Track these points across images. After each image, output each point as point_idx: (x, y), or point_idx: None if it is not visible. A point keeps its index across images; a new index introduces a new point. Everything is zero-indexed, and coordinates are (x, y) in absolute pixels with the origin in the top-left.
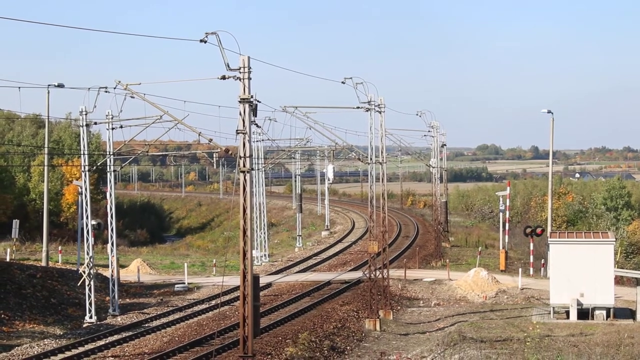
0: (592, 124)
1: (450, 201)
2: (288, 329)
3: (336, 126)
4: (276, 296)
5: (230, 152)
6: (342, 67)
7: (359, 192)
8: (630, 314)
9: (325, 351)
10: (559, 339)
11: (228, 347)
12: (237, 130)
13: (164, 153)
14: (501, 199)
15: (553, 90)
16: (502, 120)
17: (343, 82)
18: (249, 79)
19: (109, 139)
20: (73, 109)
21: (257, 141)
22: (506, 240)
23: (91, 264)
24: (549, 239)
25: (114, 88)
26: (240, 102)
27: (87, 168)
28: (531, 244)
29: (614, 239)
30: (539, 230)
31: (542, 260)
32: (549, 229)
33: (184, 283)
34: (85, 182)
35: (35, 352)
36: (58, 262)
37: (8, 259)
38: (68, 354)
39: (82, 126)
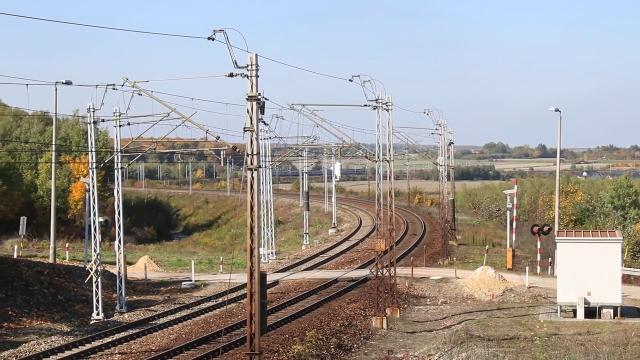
0: (599, 123)
1: (457, 199)
2: (295, 326)
3: (343, 124)
4: (283, 294)
5: (237, 150)
6: (349, 65)
7: (366, 190)
8: (637, 312)
9: (332, 349)
10: (566, 337)
11: (235, 345)
12: (244, 128)
13: (171, 150)
14: (508, 197)
15: (561, 89)
16: (510, 118)
17: (351, 80)
18: (257, 76)
19: (116, 136)
20: (81, 106)
21: (264, 139)
22: (513, 239)
23: (98, 261)
24: (556, 238)
25: (122, 85)
26: (247, 99)
27: (94, 165)
28: (538, 243)
29: (622, 238)
30: (546, 228)
31: (549, 258)
32: (556, 228)
33: (191, 280)
34: (92, 179)
35: (43, 349)
36: (65, 259)
37: (15, 256)
38: (75, 350)
39: (90, 123)
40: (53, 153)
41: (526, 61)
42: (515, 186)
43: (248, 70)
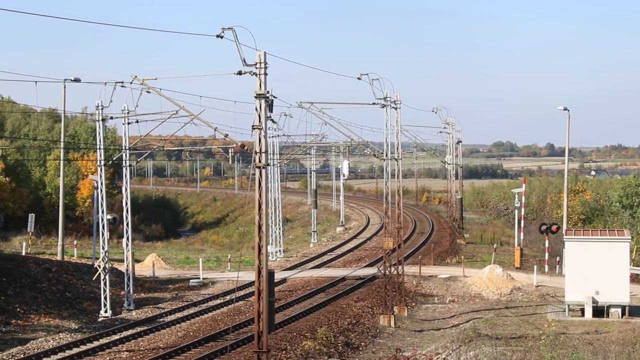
0: (608, 122)
1: (465, 198)
2: (303, 324)
3: (352, 122)
4: (291, 292)
5: (245, 148)
6: (358, 63)
7: (374, 189)
8: None
9: (340, 347)
10: (574, 336)
11: (243, 343)
12: (252, 126)
13: (179, 148)
14: (516, 196)
15: (569, 87)
16: (518, 117)
17: (359, 78)
18: (265, 74)
19: (124, 134)
20: (89, 103)
21: (272, 137)
22: (521, 238)
23: (106, 259)
24: (565, 237)
25: (130, 83)
26: (256, 97)
27: (102, 162)
28: (546, 242)
29: (630, 237)
30: (554, 227)
31: (557, 257)
32: (564, 227)
33: (199, 278)
34: (100, 176)
35: (51, 346)
36: (73, 256)
37: (24, 253)
38: (83, 347)
39: (98, 121)
40: (61, 150)
41: (535, 60)
42: (524, 185)
43: (257, 68)
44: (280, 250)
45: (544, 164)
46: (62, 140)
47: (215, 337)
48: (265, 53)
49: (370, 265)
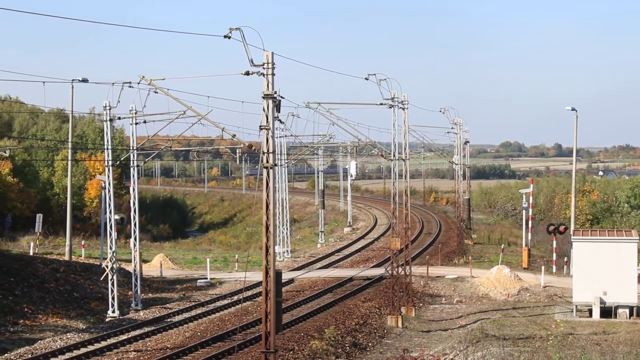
0: (616, 122)
1: (473, 198)
2: (310, 324)
3: (359, 122)
4: (298, 292)
5: (253, 148)
6: (365, 63)
7: (382, 189)
8: None
9: (348, 347)
10: (582, 337)
11: (250, 343)
12: (260, 126)
13: (187, 148)
14: (524, 197)
15: (577, 87)
16: (526, 117)
17: (366, 79)
18: (273, 74)
19: (132, 134)
20: (97, 103)
21: (280, 137)
22: (529, 238)
23: (114, 259)
24: (572, 237)
25: (138, 83)
26: (263, 98)
27: (110, 163)
28: (554, 242)
29: (638, 237)
30: (562, 228)
31: (565, 258)
32: (572, 227)
33: (207, 278)
34: (108, 176)
35: (58, 346)
36: (81, 256)
37: (31, 253)
38: (91, 347)
39: (106, 121)
40: (69, 151)
41: (542, 60)
42: (531, 185)
43: (264, 68)
44: (287, 251)
45: (551, 165)
46: (69, 140)
47: (222, 337)
48: (272, 53)
49: (378, 265)
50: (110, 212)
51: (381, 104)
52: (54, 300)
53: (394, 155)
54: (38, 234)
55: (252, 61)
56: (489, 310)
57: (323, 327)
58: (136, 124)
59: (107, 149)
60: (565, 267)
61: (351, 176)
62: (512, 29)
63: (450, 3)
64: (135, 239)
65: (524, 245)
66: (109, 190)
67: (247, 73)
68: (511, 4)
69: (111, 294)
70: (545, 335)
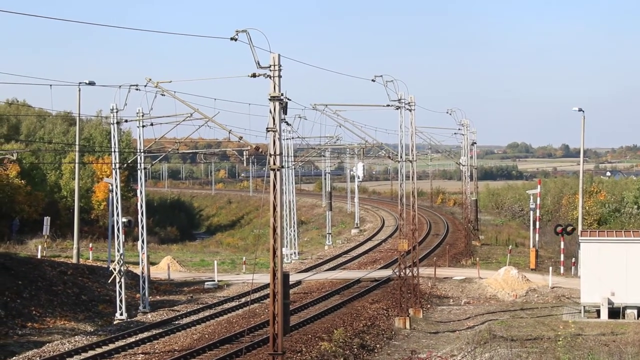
0: (623, 122)
1: (480, 199)
2: (318, 326)
3: (366, 124)
4: (306, 294)
5: (260, 150)
6: (372, 64)
7: (389, 190)
8: None
9: (355, 349)
10: (590, 338)
11: (258, 345)
12: (267, 128)
13: (194, 151)
14: (532, 197)
15: (584, 88)
16: (533, 118)
17: (373, 80)
18: (280, 76)
19: (139, 137)
20: (104, 106)
21: (287, 139)
22: (536, 239)
23: (122, 261)
24: (580, 238)
25: (145, 86)
26: (270, 100)
27: (117, 165)
28: (562, 243)
29: None
30: (569, 228)
31: (573, 259)
32: (579, 228)
33: (214, 280)
34: (115, 179)
35: (66, 349)
36: (89, 259)
37: (39, 256)
38: (99, 350)
39: (113, 124)
40: (77, 153)
41: (550, 60)
42: (539, 186)
43: (271, 70)
44: (295, 253)
45: (559, 165)
46: (77, 143)
47: (230, 339)
48: (279, 55)
49: (385, 267)
50: (117, 215)
51: (388, 105)
52: (61, 303)
53: (401, 157)
54: (46, 236)
55: (258, 63)
56: (497, 312)
57: (331, 329)
58: (143, 126)
59: (115, 151)
60: (573, 268)
61: (358, 178)
62: (519, 30)
63: (456, 3)
64: (142, 241)
65: (531, 246)
66: (116, 193)
67: (254, 75)
68: (518, 4)
69: (119, 296)
70: (553, 336)
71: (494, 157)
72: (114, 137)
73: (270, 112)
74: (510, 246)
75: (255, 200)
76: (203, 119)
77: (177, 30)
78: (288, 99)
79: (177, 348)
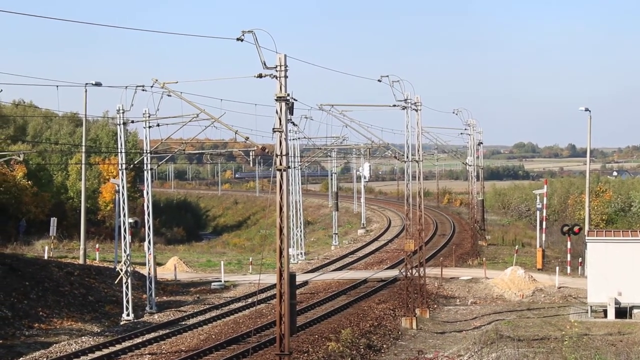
0: (630, 122)
1: (486, 199)
2: (324, 327)
3: (372, 124)
4: (312, 294)
5: (266, 150)
6: (378, 65)
7: (395, 191)
8: None
9: (362, 349)
10: (597, 338)
11: (264, 345)
12: (273, 129)
13: (200, 151)
14: (538, 197)
15: (590, 88)
16: (539, 118)
17: (379, 81)
18: (286, 77)
19: (145, 137)
20: (110, 107)
21: (293, 139)
22: (543, 239)
23: (128, 262)
24: (587, 238)
25: (151, 86)
26: (276, 100)
27: (124, 166)
28: (568, 243)
29: None
30: (576, 228)
31: (580, 258)
32: (586, 228)
33: (221, 281)
34: (122, 180)
35: (73, 349)
36: (95, 259)
37: (46, 257)
38: (105, 351)
39: (119, 124)
40: (83, 154)
41: (556, 60)
42: (545, 186)
43: (277, 71)
44: (301, 253)
45: (565, 165)
46: (83, 144)
47: (237, 339)
48: (285, 56)
49: (392, 267)
50: (124, 216)
51: (394, 105)
52: (68, 304)
53: (407, 157)
54: (52, 237)
55: (264, 64)
56: (504, 312)
57: (337, 329)
58: (149, 127)
59: (121, 152)
60: (579, 267)
61: (365, 178)
62: (525, 29)
63: (462, 3)
64: (149, 242)
65: (538, 246)
66: (122, 194)
67: (260, 76)
68: (524, 4)
69: (125, 297)
70: (560, 336)
71: (501, 157)
72: (120, 137)
73: (277, 112)
74: (517, 246)
75: (261, 201)
76: (209, 119)
77: (184, 31)
78: (294, 100)
79: (183, 348)
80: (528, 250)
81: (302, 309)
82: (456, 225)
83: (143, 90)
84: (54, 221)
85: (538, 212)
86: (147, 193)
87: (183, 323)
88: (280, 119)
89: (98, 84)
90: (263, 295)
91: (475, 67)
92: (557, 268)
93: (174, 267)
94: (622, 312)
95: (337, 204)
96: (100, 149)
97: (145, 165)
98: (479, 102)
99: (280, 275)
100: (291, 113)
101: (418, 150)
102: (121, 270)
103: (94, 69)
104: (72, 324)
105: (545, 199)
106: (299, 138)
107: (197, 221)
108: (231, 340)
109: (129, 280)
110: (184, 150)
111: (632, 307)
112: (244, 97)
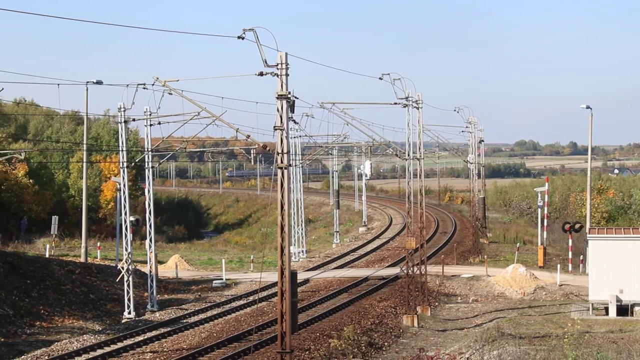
0: (631, 120)
1: (488, 197)
2: (326, 324)
3: (373, 122)
4: (314, 292)
5: (267, 149)
6: (379, 63)
7: (396, 188)
8: None
9: (363, 347)
10: (598, 335)
11: (266, 343)
12: (274, 127)
13: (201, 149)
14: (539, 195)
15: (592, 85)
16: (540, 115)
17: (380, 78)
18: (287, 75)
19: (147, 136)
20: (111, 105)
21: (294, 137)
22: (544, 237)
23: (130, 260)
24: (588, 235)
25: (152, 85)
26: (277, 98)
27: (125, 164)
28: (570, 240)
29: None
30: (577, 226)
31: (581, 256)
32: (587, 225)
33: (222, 279)
34: (123, 178)
35: (75, 348)
36: (97, 258)
37: (47, 255)
38: (107, 349)
39: (121, 123)
40: (84, 152)
41: (557, 58)
42: (547, 184)
43: (278, 69)
44: (302, 251)
45: (566, 163)
46: (84, 142)
47: (238, 337)
48: (286, 54)
49: (393, 265)
50: (125, 214)
51: (395, 103)
52: (70, 302)
53: (408, 155)
54: (54, 235)
55: (265, 62)
56: (505, 309)
57: (339, 327)
58: (151, 125)
59: (122, 150)
60: (581, 265)
61: (366, 176)
62: (526, 27)
63: (463, 2)
64: (150, 240)
65: (539, 243)
66: (124, 192)
67: (261, 74)
68: (524, 2)
69: (127, 295)
70: (562, 334)
71: (502, 154)
72: (121, 136)
73: (278, 110)
74: (518, 244)
75: (262, 199)
76: (210, 117)
77: (184, 30)
78: (295, 98)
79: (185, 347)
80: (529, 247)
81: (304, 306)
82: (457, 223)
83: (144, 88)
84: (55, 219)
85: (539, 209)
86: (149, 191)
87: (184, 321)
88: (281, 117)
89: (99, 82)
90: (264, 293)
91: (477, 65)
92: (559, 266)
93: (175, 265)
94: (624, 310)
95: (338, 202)
96: (101, 147)
97: (146, 164)
98: (481, 100)
99: (282, 273)
100: (292, 111)
101: (419, 148)
102: (122, 268)
103: (95, 67)
104: (74, 322)
105: (546, 196)
106: (300, 136)
107: (198, 219)
108: (232, 338)
109: (130, 279)
110: (185, 148)
111: (633, 305)
112: (245, 95)
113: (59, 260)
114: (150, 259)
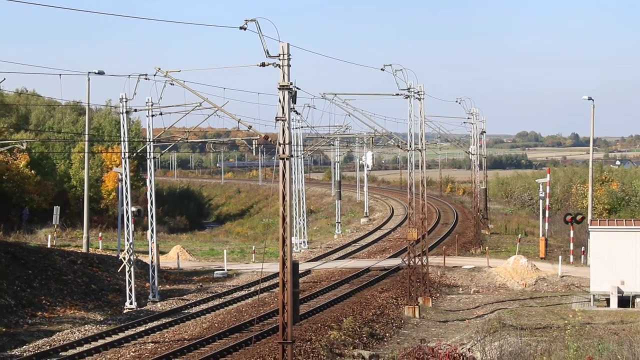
0: (633, 111)
1: (489, 188)
2: (327, 315)
3: (375, 113)
4: (315, 283)
5: (269, 139)
6: (381, 53)
7: (398, 179)
8: None
9: (365, 338)
10: (599, 326)
11: (267, 334)
12: (276, 118)
13: (203, 140)
14: (541, 186)
15: (594, 76)
16: (542, 107)
17: (382, 69)
18: (289, 66)
19: (148, 126)
20: (113, 96)
21: (296, 128)
22: (546, 228)
23: (131, 251)
24: (590, 227)
25: (154, 75)
26: (279, 89)
27: (127, 155)
28: (571, 232)
29: None
30: (579, 217)
31: (582, 247)
32: (589, 216)
33: (223, 270)
34: (125, 169)
35: (76, 338)
36: (98, 248)
37: (49, 245)
38: (108, 339)
39: (122, 113)
40: (86, 143)
41: (559, 49)
42: (548, 175)
43: (280, 59)
44: (304, 242)
45: (568, 154)
46: (86, 132)
47: (240, 328)
48: (288, 45)
49: (395, 256)
50: (127, 204)
51: (397, 94)
52: (71, 292)
53: (410, 146)
54: (55, 226)
55: (267, 52)
56: (506, 300)
57: (340, 318)
58: (152, 116)
59: (124, 141)
60: (582, 256)
61: (367, 167)
62: (528, 18)
63: None
64: (152, 230)
65: (541, 235)
66: (125, 183)
67: (263, 64)
68: None
69: (128, 285)
70: (563, 325)
71: (504, 146)
72: (123, 126)
73: (280, 101)
74: (520, 235)
75: (264, 190)
76: (212, 108)
77: (186, 20)
78: (297, 88)
79: (186, 337)
80: (531, 239)
81: (305, 297)
82: (459, 214)
83: (146, 79)
84: (57, 210)
85: (541, 201)
86: (150, 182)
87: (186, 311)
88: (283, 107)
89: (101, 73)
90: (266, 284)
91: (479, 56)
92: (560, 257)
93: (177, 255)
94: (625, 301)
95: (339, 192)
96: (103, 138)
97: (148, 154)
98: (483, 91)
99: (283, 263)
100: (294, 102)
101: (421, 139)
102: (124, 258)
103: (97, 57)
104: (75, 312)
105: (548, 187)
106: (301, 127)
107: (200, 210)
108: (234, 329)
109: (132, 269)
110: (186, 138)
111: (634, 296)
112: (247, 86)
113: (60, 250)
114: (151, 249)
